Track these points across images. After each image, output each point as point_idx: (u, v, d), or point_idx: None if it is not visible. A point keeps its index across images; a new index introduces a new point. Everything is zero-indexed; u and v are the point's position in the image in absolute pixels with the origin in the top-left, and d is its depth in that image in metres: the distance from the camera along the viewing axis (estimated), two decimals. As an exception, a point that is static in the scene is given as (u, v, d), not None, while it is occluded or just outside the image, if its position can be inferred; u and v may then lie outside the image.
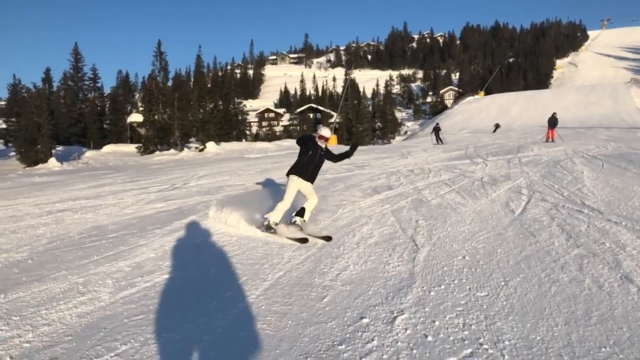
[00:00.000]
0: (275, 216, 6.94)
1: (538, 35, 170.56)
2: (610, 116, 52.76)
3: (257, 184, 12.23)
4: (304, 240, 6.55)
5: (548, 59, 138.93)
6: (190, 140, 43.62)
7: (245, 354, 3.67)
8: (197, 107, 44.86)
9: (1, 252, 6.66)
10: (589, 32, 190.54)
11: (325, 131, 7.20)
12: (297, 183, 7.03)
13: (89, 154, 36.76)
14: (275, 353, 3.63)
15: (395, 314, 4.24)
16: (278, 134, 75.42)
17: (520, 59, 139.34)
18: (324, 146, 7.24)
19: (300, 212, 7.27)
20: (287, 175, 7.13)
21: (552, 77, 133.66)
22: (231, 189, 11.48)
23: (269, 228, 6.94)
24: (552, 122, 27.29)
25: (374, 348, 3.65)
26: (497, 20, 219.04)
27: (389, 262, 5.69)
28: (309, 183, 7.18)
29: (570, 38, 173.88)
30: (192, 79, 79.97)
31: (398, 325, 4.01)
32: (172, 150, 38.55)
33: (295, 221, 7.18)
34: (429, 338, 3.77)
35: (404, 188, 10.92)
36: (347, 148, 7.77)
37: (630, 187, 9.05)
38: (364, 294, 4.78)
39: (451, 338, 3.75)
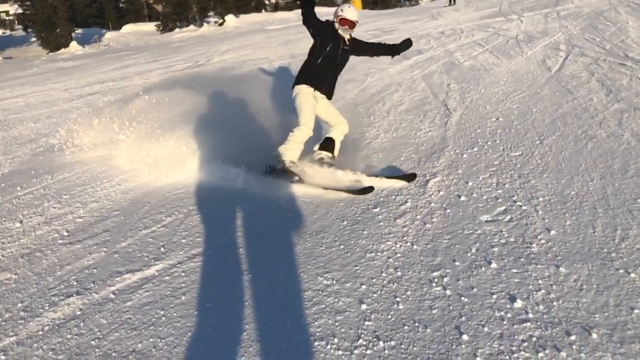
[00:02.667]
0: (290, 151, 4.47)
1: None
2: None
3: (281, 57, 11.89)
4: (366, 190, 4.15)
5: None
6: (209, 14, 42.03)
7: (285, 217, 3.84)
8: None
9: (40, 136, 6.88)
10: None
11: (350, 12, 4.47)
12: (311, 98, 4.55)
13: (109, 35, 36.03)
14: (313, 218, 3.78)
15: (427, 177, 4.29)
16: (299, 1, 71.39)
17: None
18: (348, 36, 4.60)
19: (327, 146, 4.73)
20: (293, 86, 4.67)
21: None
22: (254, 63, 11.23)
23: (286, 171, 4.47)
24: None
25: (408, 210, 3.75)
26: None
27: (420, 128, 5.64)
28: (326, 99, 4.73)
29: None
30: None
31: (431, 188, 4.08)
32: (191, 27, 37.39)
33: (322, 157, 4.68)
34: (462, 198, 3.83)
35: (435, 51, 10.47)
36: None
37: (680, 35, 8.44)
38: (396, 160, 4.82)
39: (484, 197, 3.81)
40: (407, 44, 4.77)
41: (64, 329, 2.67)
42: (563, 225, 3.30)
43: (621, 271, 2.75)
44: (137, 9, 51.49)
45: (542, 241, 3.12)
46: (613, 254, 2.92)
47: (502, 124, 5.39)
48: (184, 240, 3.54)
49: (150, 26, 40.28)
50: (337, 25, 4.51)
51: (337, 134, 4.73)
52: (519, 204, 3.64)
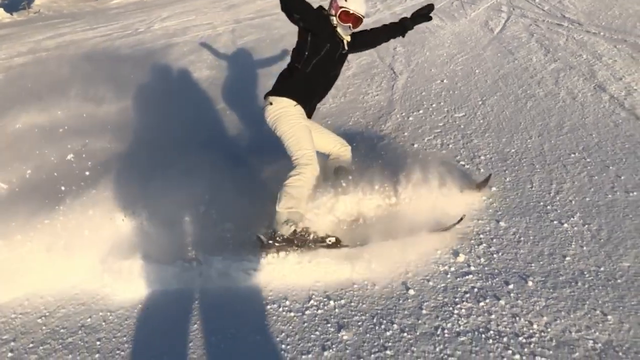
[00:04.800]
0: (297, 211, 3.00)
1: None
2: None
3: (226, 22, 11.55)
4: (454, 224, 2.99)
5: None
6: (148, -20, 40.07)
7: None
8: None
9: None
10: None
11: (355, 2, 3.06)
12: (303, 120, 3.15)
13: (39, 1, 33.82)
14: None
15: (375, 141, 4.35)
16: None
17: None
18: (348, 38, 3.24)
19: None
20: (268, 96, 3.22)
21: None
22: (198, 29, 10.88)
23: (295, 241, 2.97)
24: None
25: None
26: None
27: (367, 92, 5.68)
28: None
29: None
30: None
31: (377, 153, 4.13)
32: (130, -7, 35.57)
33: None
34: (408, 160, 3.92)
35: (381, 14, 10.45)
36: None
37: (613, -5, 8.75)
38: (344, 125, 4.85)
39: (429, 158, 3.90)
40: (423, 13, 3.33)
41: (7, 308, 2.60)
42: (503, 181, 3.45)
43: (555, 222, 2.92)
44: (71, -26, 48.47)
45: (484, 198, 3.26)
46: (548, 207, 3.09)
47: (446, 85, 5.50)
48: None
49: (85, -8, 38.13)
50: (335, 20, 3.07)
51: (347, 161, 3.37)
52: (462, 163, 3.77)
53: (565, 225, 2.88)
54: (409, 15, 3.37)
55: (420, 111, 4.89)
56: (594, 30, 6.64)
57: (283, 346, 2.26)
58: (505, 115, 4.55)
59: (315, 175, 3.00)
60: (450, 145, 4.11)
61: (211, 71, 7.19)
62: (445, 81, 5.63)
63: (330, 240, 2.90)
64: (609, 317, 2.19)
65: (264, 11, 12.53)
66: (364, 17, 3.09)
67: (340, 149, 3.37)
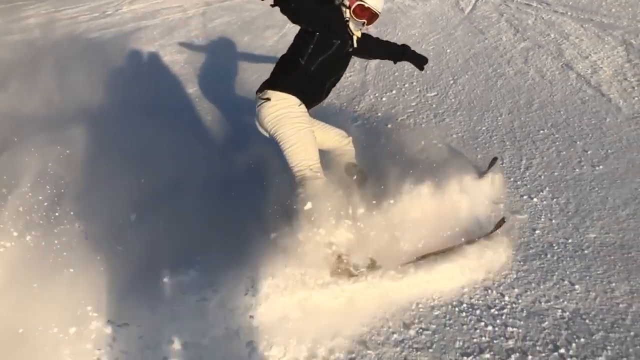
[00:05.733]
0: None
1: None
2: None
3: (196, 5, 11.31)
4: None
5: None
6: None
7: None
8: None
9: None
10: None
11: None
12: (307, 122, 2.69)
13: (1, -13, 32.54)
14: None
15: (349, 122, 4.35)
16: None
17: None
18: (359, 34, 2.80)
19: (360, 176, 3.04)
20: (266, 90, 2.67)
21: None
22: (168, 12, 10.63)
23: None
24: None
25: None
26: None
27: (340, 73, 5.66)
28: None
29: None
30: None
31: (352, 134, 4.13)
32: (95, -24, 34.45)
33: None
34: (382, 140, 3.94)
35: None
36: None
37: (580, -25, 8.88)
38: (318, 108, 4.83)
39: (402, 138, 3.93)
40: (420, 59, 3.29)
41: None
42: (475, 159, 3.50)
43: (525, 197, 2.99)
44: (31, -44, 46.66)
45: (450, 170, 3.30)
46: (519, 182, 3.16)
47: (418, 66, 5.52)
48: None
49: (48, -25, 36.82)
50: (347, 14, 2.65)
51: (352, 155, 3.10)
52: (434, 141, 3.81)
53: (535, 199, 2.95)
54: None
55: (393, 91, 4.91)
56: (562, 10, 6.74)
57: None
58: (476, 94, 4.60)
59: (324, 188, 2.55)
60: (423, 125, 4.15)
61: (182, 55, 7.05)
62: (417, 61, 5.65)
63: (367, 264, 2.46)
64: (577, 286, 2.27)
65: (234, -7, 12.30)
66: (380, 13, 2.69)
67: (343, 143, 3.04)
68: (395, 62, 3.32)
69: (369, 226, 2.49)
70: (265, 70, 5.38)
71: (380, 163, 3.11)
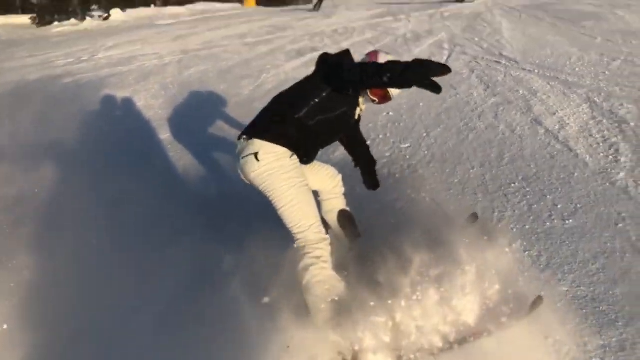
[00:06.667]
0: (328, 313, 2.18)
1: None
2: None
3: (173, 53, 11.45)
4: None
5: None
6: (93, 8, 39.40)
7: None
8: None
9: None
10: None
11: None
12: (302, 177, 2.40)
13: (-25, 29, 32.52)
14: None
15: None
16: (192, -3, 69.78)
17: None
18: (363, 107, 2.64)
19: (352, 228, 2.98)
20: (254, 139, 2.36)
21: None
22: (144, 59, 10.72)
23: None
24: None
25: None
26: None
27: (316, 123, 5.72)
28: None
29: None
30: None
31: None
32: (72, 21, 34.68)
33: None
34: (357, 190, 3.93)
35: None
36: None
37: (545, 37, 9.34)
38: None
39: (378, 191, 3.94)
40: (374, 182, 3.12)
41: None
42: (447, 210, 3.51)
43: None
44: (9, 1, 47.02)
45: (428, 224, 3.30)
46: (492, 235, 3.16)
47: (392, 118, 5.62)
48: None
49: (24, 19, 36.91)
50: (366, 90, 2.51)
51: (343, 199, 2.97)
52: (409, 191, 3.82)
53: (507, 249, 2.94)
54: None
55: (368, 142, 4.92)
56: (529, 67, 7.04)
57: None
58: (449, 147, 4.68)
59: (329, 249, 2.32)
60: (397, 175, 4.18)
61: (156, 100, 7.06)
62: (391, 113, 5.76)
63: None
64: (549, 340, 2.25)
65: (212, 43, 12.56)
66: (392, 99, 2.57)
67: (333, 184, 2.87)
68: (355, 166, 3.15)
69: (395, 322, 2.09)
70: (240, 119, 5.46)
71: (366, 218, 3.08)
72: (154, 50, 12.03)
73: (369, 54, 2.58)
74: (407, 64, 1.95)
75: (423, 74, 1.92)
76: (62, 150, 4.52)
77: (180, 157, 4.99)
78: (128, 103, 6.93)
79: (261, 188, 2.35)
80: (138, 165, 4.61)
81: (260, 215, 2.76)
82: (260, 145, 2.30)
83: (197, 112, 6.54)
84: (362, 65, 2.25)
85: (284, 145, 2.31)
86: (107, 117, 6.41)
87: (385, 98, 2.54)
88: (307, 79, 2.50)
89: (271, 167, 2.29)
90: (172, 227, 3.29)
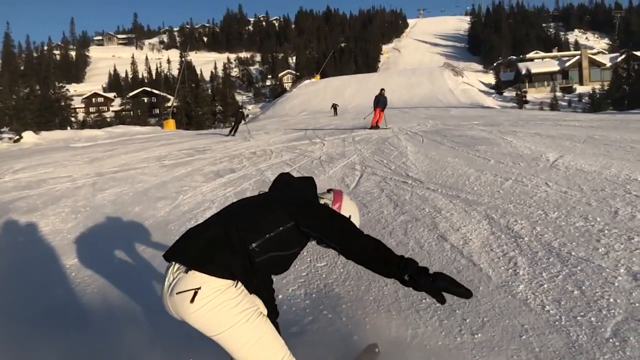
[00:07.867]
0: None
1: (365, 21, 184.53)
2: (428, 97, 59.29)
3: (87, 175, 11.22)
4: None
5: (375, 44, 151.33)
6: (3, 130, 38.41)
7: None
8: (9, 93, 39.83)
9: None
10: (408, 20, 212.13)
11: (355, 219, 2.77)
12: (253, 302, 2.12)
13: None
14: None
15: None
16: (109, 120, 70.62)
17: (351, 43, 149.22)
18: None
19: None
20: (191, 271, 1.95)
21: (380, 61, 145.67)
22: (55, 182, 10.39)
23: None
24: (381, 101, 22.14)
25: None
26: (329, 6, 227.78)
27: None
28: None
29: (394, 25, 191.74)
30: (0, 61, 70.43)
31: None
32: (-20, 143, 33.45)
33: None
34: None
35: (247, 170, 10.97)
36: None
37: (445, 159, 10.24)
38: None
39: (293, 309, 3.92)
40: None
41: None
42: (364, 329, 3.54)
43: (413, 369, 3.01)
44: None
45: (343, 347, 3.29)
46: (406, 353, 3.20)
47: (308, 237, 5.75)
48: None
49: None
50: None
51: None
52: (325, 312, 3.83)
53: (425, 370, 2.98)
54: None
55: (284, 262, 4.99)
56: (433, 187, 7.61)
57: None
58: (363, 265, 4.81)
59: None
60: (314, 295, 4.19)
61: (65, 224, 6.75)
62: (307, 233, 5.89)
63: None
64: None
65: (129, 165, 12.51)
66: None
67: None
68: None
69: None
70: (154, 241, 5.30)
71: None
72: (67, 172, 11.73)
73: (333, 194, 2.54)
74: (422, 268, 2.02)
75: (449, 281, 1.95)
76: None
77: (88, 284, 4.71)
78: (33, 228, 6.56)
79: (204, 329, 1.96)
80: (35, 297, 4.28)
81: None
82: (202, 280, 1.92)
83: (109, 235, 6.31)
84: (366, 238, 2.23)
85: (228, 278, 1.97)
86: (6, 244, 6.00)
87: None
88: (264, 202, 2.27)
89: (216, 302, 1.92)
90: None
